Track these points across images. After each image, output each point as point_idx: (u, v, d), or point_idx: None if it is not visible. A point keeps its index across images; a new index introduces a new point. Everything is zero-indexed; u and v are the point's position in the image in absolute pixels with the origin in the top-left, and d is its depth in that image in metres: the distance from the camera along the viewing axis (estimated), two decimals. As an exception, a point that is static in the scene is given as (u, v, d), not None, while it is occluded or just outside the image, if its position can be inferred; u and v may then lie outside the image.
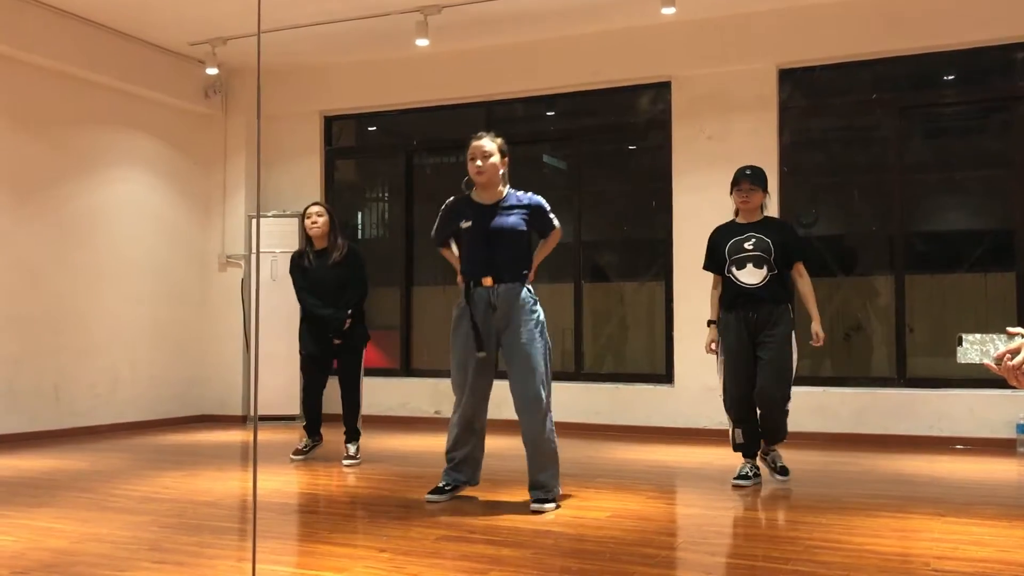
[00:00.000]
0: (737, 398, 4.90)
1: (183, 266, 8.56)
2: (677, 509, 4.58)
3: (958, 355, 1.93)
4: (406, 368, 8.49)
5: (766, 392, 4.81)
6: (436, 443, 5.28)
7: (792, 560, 3.34)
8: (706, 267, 5.13)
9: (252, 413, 8.33)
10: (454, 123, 8.38)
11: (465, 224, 4.48)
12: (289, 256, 6.13)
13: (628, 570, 3.22)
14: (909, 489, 4.83)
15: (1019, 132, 6.84)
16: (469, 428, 4.51)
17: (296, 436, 6.90)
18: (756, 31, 7.23)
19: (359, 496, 4.80)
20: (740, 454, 5.03)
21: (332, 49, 8.20)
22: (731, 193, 5.04)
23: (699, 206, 7.11)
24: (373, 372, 7.42)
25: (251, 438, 7.31)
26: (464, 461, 4.53)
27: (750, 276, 4.88)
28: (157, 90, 8.18)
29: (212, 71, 8.18)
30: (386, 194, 9.26)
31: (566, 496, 4.51)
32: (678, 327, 7.31)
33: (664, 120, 7.61)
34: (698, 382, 6.93)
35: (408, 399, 8.21)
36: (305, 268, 5.85)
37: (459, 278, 4.53)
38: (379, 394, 7.94)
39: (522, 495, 4.43)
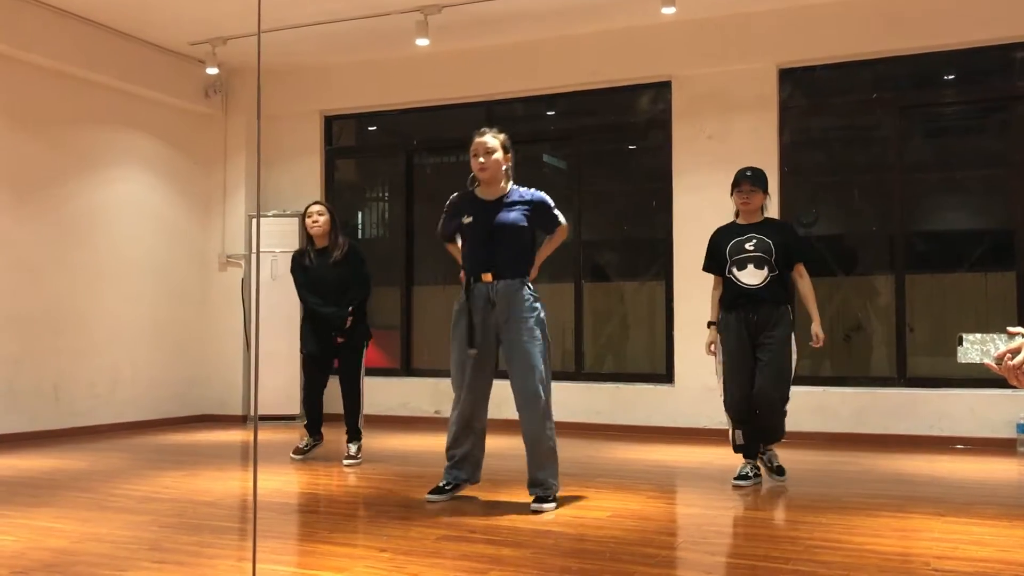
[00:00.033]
0: (738, 399, 4.90)
1: (183, 266, 8.56)
2: (677, 509, 4.58)
3: (958, 355, 1.93)
4: (406, 368, 8.49)
5: (765, 393, 4.80)
6: (436, 443, 5.28)
7: (792, 560, 3.34)
8: (706, 268, 5.13)
9: (252, 413, 8.33)
10: (454, 123, 8.38)
11: (467, 220, 4.48)
12: (289, 256, 6.14)
13: (628, 570, 3.22)
14: (909, 489, 4.83)
15: (1019, 132, 6.84)
16: (468, 426, 4.50)
17: (296, 435, 6.90)
18: (756, 30, 7.23)
19: (359, 496, 4.80)
20: (741, 455, 5.03)
21: (332, 49, 8.20)
22: (732, 194, 5.04)
23: (699, 206, 7.11)
24: (373, 372, 7.41)
25: (251, 438, 7.31)
26: (464, 459, 4.52)
27: (751, 277, 4.88)
28: (157, 90, 8.18)
29: (212, 71, 8.17)
30: (386, 194, 9.26)
31: (568, 497, 4.51)
32: (678, 327, 7.31)
33: (664, 120, 7.61)
34: (698, 382, 6.93)
35: (408, 399, 8.21)
36: (306, 267, 5.86)
37: (462, 274, 4.53)
38: (379, 394, 7.93)
39: (523, 495, 4.43)
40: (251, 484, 5.12)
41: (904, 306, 6.93)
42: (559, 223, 4.57)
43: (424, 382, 8.18)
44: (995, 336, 1.90)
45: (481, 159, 4.44)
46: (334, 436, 6.24)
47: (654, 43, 7.52)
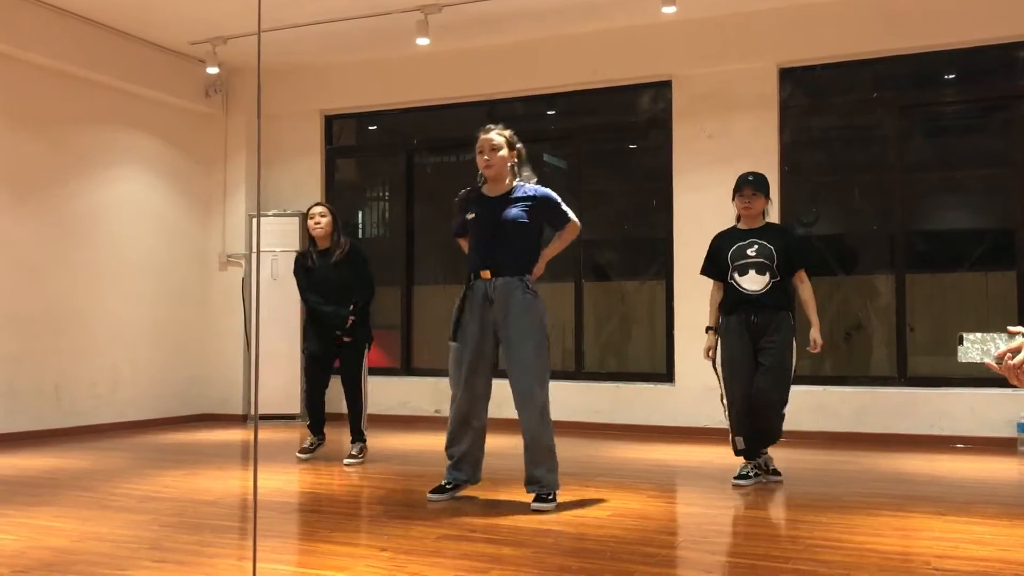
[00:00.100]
0: (739, 401, 4.89)
1: (183, 265, 8.56)
2: (678, 508, 4.58)
3: (959, 354, 1.93)
4: (407, 367, 8.50)
5: (763, 395, 4.80)
6: (437, 442, 5.28)
7: (793, 559, 3.34)
8: (704, 272, 5.11)
9: (253, 412, 8.33)
10: (454, 122, 8.38)
11: (470, 216, 4.48)
12: (289, 255, 6.15)
13: (629, 569, 3.22)
14: (910, 488, 4.83)
15: (1019, 131, 6.84)
16: (465, 423, 4.48)
17: (297, 435, 6.90)
18: (757, 30, 7.23)
19: (360, 495, 4.80)
20: (741, 458, 5.03)
21: (332, 48, 8.20)
22: (733, 199, 5.02)
23: (699, 205, 7.11)
24: (374, 371, 7.38)
25: (252, 437, 7.31)
26: (463, 458, 4.51)
27: (752, 283, 4.87)
28: (157, 89, 8.18)
29: (212, 70, 8.17)
30: (387, 193, 9.26)
31: (568, 497, 4.51)
32: (678, 326, 7.31)
33: (664, 119, 7.61)
34: (698, 381, 6.92)
35: (409, 398, 8.22)
36: (309, 268, 5.88)
37: None
38: (380, 393, 7.92)
39: (523, 494, 4.42)
40: (251, 483, 5.12)
41: (904, 306, 6.93)
42: (568, 219, 4.53)
43: (424, 381, 8.18)
44: (995, 335, 1.90)
45: (486, 156, 4.44)
46: (336, 436, 6.23)
47: (654, 42, 7.52)
